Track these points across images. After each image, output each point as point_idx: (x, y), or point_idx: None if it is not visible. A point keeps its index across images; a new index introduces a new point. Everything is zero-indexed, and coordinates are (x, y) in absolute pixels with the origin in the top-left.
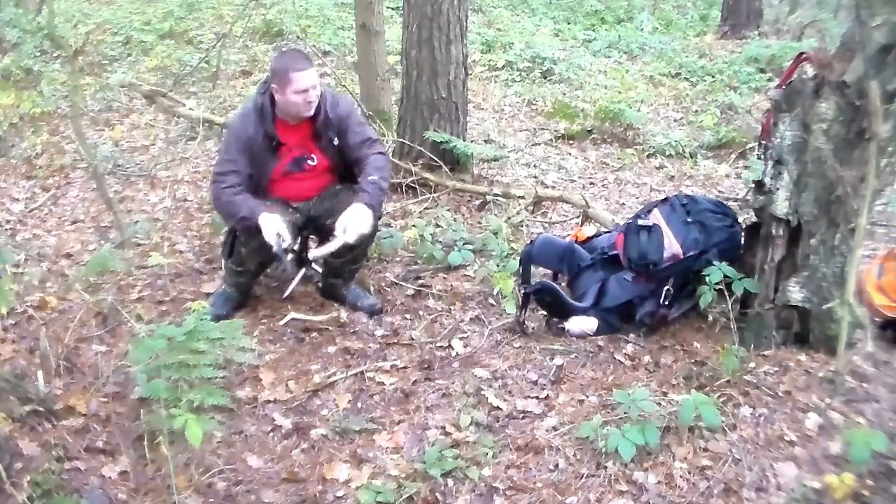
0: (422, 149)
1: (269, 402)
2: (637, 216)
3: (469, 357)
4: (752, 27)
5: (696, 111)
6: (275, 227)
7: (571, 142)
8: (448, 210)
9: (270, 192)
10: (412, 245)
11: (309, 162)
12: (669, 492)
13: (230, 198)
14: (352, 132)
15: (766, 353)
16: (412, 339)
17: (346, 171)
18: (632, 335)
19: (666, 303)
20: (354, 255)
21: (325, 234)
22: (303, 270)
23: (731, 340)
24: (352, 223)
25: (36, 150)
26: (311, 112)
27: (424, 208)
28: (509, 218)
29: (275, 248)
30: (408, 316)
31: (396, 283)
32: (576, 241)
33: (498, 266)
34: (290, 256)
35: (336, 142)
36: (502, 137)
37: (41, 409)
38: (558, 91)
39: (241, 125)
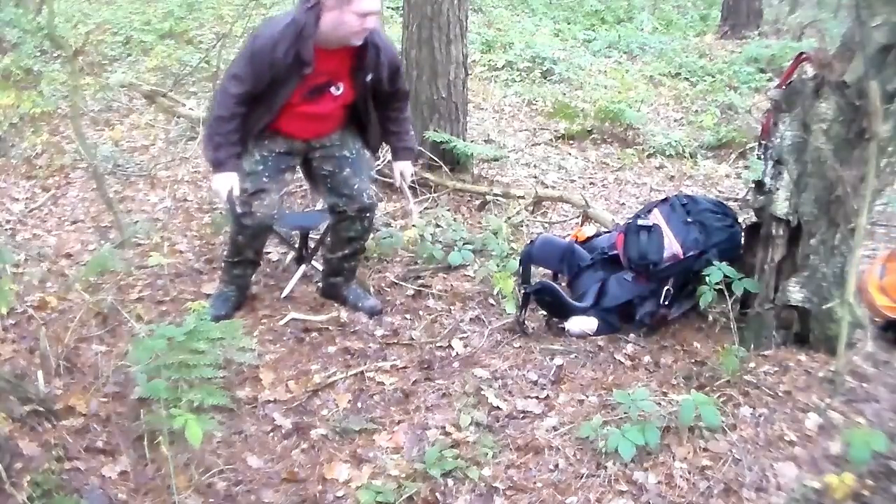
0: (422, 149)
1: (269, 402)
2: (637, 216)
3: (469, 357)
4: (752, 27)
5: (696, 111)
6: (227, 186)
7: (571, 142)
8: (448, 210)
9: (280, 116)
10: (412, 245)
11: (333, 90)
12: (669, 492)
13: (219, 137)
14: (401, 83)
15: (766, 353)
16: (412, 339)
17: (356, 110)
18: (632, 335)
19: (666, 303)
20: (354, 247)
21: (315, 189)
22: (302, 268)
23: (731, 340)
24: (407, 174)
25: (36, 150)
26: (360, 41)
27: (424, 208)
28: (509, 218)
29: (224, 201)
30: (408, 316)
31: (396, 283)
32: (576, 241)
33: (498, 266)
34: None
35: (369, 78)
36: (502, 137)
37: (41, 409)
38: (558, 91)
39: (269, 44)
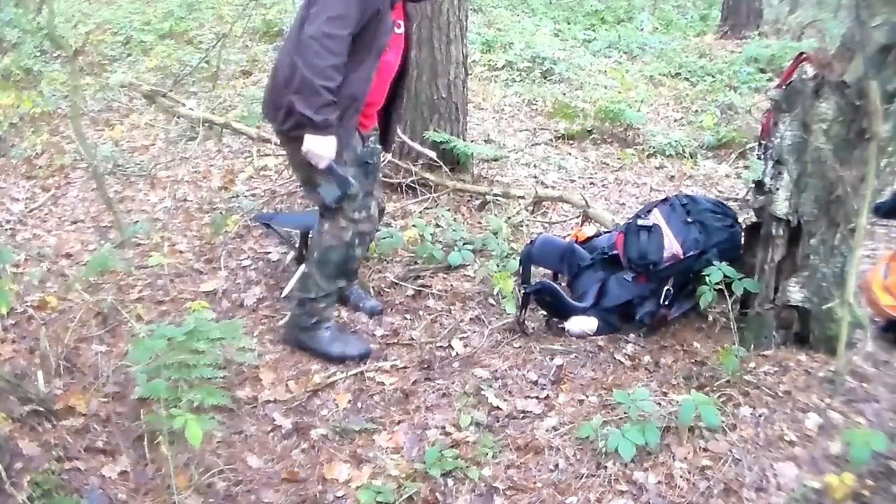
0: (421, 149)
1: (269, 402)
2: (637, 216)
3: (469, 357)
4: (752, 27)
5: (696, 111)
6: (333, 150)
7: (571, 142)
8: (448, 210)
9: (370, 69)
10: (412, 245)
11: (396, 30)
12: (669, 492)
13: (330, 93)
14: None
15: (766, 353)
16: (412, 339)
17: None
18: (632, 335)
19: (666, 303)
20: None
21: None
22: (302, 268)
23: (731, 340)
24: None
25: (36, 150)
26: None
27: (424, 208)
28: (509, 218)
29: (330, 170)
30: (408, 316)
31: (396, 283)
32: (576, 241)
33: (498, 266)
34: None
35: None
36: (502, 137)
37: (41, 409)
38: (558, 91)
39: None
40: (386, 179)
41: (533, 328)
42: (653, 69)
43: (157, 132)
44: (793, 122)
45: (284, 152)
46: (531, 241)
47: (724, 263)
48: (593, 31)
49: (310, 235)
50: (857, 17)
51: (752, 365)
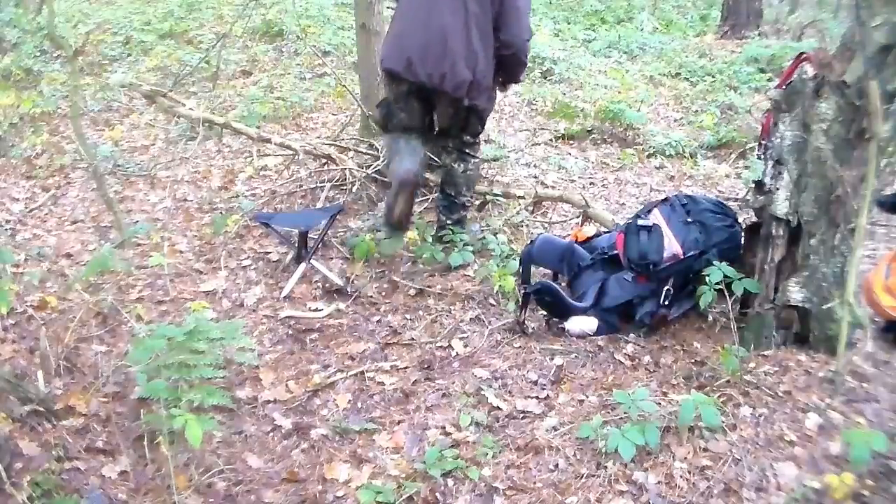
0: None
1: (269, 402)
2: (637, 216)
3: (469, 357)
4: (752, 27)
5: (696, 111)
6: None
7: (571, 142)
8: None
9: None
10: (412, 245)
11: None
12: (669, 492)
13: None
14: None
15: (766, 353)
16: (412, 339)
17: None
18: (632, 335)
19: (666, 303)
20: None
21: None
22: (302, 267)
23: (731, 340)
24: None
25: (36, 150)
26: None
27: (424, 209)
28: (509, 218)
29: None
30: (408, 316)
31: (397, 283)
32: (576, 241)
33: (498, 266)
34: None
35: None
36: (502, 137)
37: (41, 409)
38: (558, 91)
39: None
40: (385, 179)
41: (533, 328)
42: (653, 69)
43: (157, 132)
44: (793, 122)
45: (462, 114)
46: (531, 241)
47: (724, 263)
48: (593, 31)
49: (309, 235)
50: (857, 17)
51: (752, 365)
